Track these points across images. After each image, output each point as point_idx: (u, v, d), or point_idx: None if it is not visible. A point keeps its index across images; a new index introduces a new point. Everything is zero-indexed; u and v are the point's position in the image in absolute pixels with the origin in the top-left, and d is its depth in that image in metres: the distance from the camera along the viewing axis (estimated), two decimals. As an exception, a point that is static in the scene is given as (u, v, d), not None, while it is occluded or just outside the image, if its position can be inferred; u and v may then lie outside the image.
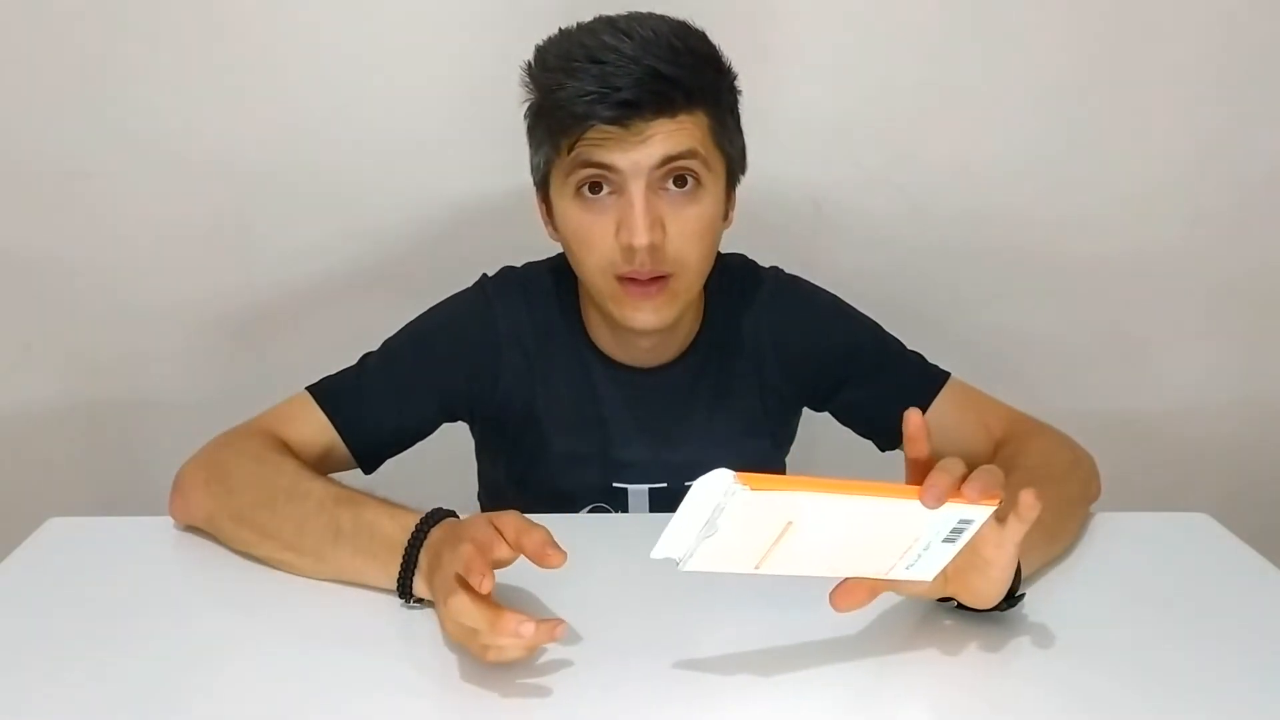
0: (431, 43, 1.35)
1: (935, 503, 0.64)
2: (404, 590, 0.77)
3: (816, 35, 1.37)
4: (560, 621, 0.67)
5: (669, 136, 0.85)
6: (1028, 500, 0.67)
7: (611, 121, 0.84)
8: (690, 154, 0.87)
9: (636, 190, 0.86)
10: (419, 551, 0.76)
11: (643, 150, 0.85)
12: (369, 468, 1.00)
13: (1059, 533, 0.86)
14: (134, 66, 1.34)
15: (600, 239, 0.89)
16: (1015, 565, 0.73)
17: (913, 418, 0.69)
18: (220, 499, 0.86)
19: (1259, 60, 1.39)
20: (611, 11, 0.90)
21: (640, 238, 0.86)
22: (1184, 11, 1.36)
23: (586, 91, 0.83)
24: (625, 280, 0.90)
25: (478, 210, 1.41)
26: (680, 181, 0.88)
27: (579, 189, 0.89)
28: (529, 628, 0.65)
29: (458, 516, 0.79)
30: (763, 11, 1.34)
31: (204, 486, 0.88)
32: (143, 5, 1.31)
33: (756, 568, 0.68)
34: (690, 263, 0.91)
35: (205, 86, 1.35)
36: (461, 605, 0.67)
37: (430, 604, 0.77)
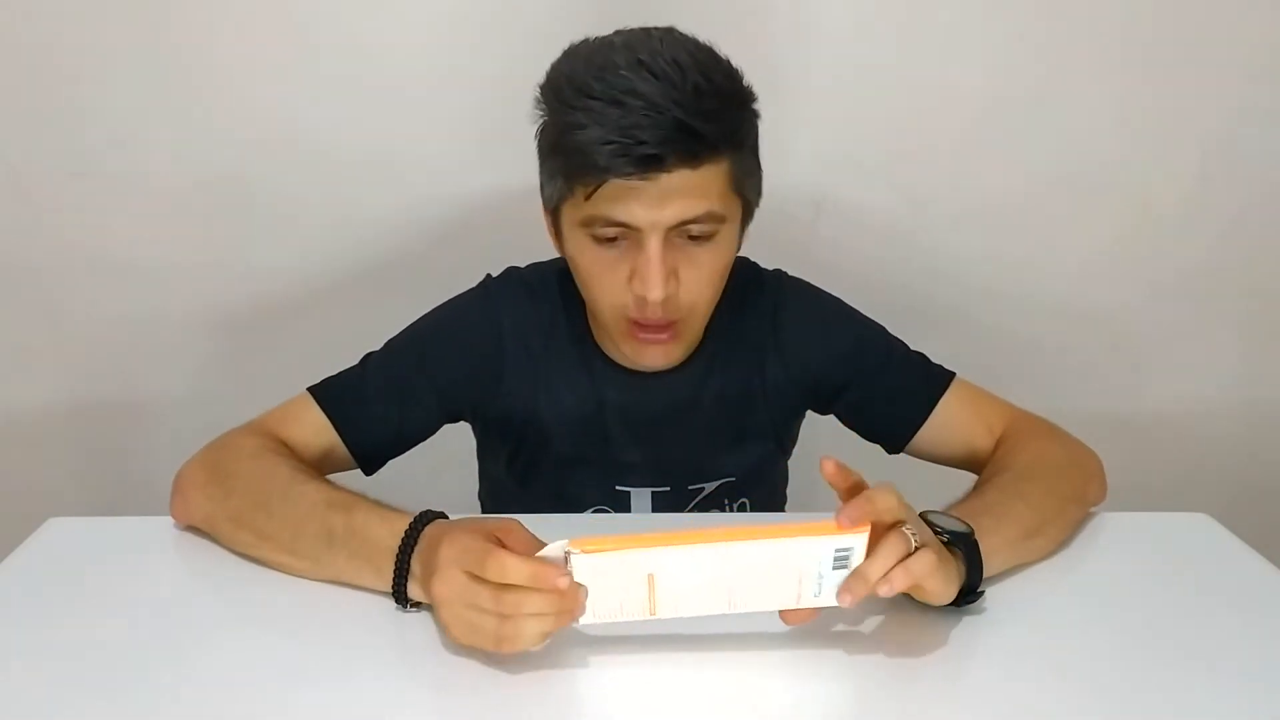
0: (433, 43, 1.35)
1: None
2: (399, 597, 0.76)
3: (817, 36, 1.37)
4: (579, 587, 0.67)
5: (688, 194, 0.83)
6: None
7: (631, 175, 0.81)
8: (707, 216, 0.85)
9: (653, 245, 0.84)
10: (410, 558, 0.75)
11: (661, 210, 0.83)
12: (370, 469, 0.99)
13: (1039, 529, 0.85)
14: (133, 65, 1.34)
15: (612, 282, 0.88)
16: (942, 571, 0.71)
17: (826, 466, 0.70)
18: (218, 501, 0.86)
19: (1259, 62, 1.39)
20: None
21: (655, 293, 0.85)
22: (1186, 14, 1.36)
23: (607, 140, 0.80)
24: (635, 322, 0.90)
25: (479, 210, 1.41)
26: (696, 234, 0.87)
27: (591, 234, 0.87)
28: (565, 580, 0.65)
29: (447, 517, 0.78)
30: (763, 12, 1.34)
31: (203, 488, 0.87)
32: (142, 6, 1.31)
33: (652, 614, 0.70)
34: (701, 306, 0.91)
35: (205, 87, 1.35)
36: (505, 560, 0.66)
37: (428, 607, 0.76)
